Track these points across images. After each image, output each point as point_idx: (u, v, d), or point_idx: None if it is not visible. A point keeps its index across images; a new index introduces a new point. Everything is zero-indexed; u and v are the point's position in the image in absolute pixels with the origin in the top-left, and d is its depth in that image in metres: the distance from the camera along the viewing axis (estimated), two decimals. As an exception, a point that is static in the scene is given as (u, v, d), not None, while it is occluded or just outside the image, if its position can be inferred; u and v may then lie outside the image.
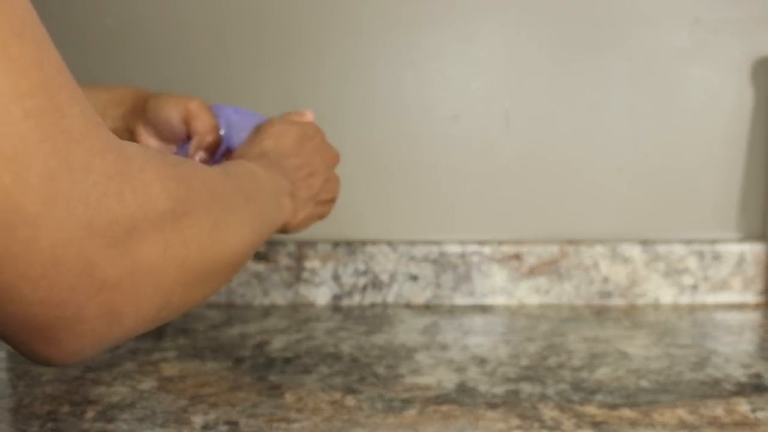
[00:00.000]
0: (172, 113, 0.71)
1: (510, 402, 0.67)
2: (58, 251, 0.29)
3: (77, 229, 0.30)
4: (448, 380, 0.72)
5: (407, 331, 0.89)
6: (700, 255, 0.99)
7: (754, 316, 0.95)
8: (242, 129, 0.73)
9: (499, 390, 0.70)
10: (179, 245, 0.38)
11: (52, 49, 0.30)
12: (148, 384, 0.72)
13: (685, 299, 1.00)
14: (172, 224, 0.37)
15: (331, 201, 0.73)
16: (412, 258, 1.00)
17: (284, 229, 0.66)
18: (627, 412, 0.64)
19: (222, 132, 0.73)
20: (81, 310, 0.32)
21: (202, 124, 0.71)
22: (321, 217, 0.72)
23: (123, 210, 0.33)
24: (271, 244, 0.99)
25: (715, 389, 0.69)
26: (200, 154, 0.72)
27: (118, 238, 0.33)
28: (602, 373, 0.74)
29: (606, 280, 1.00)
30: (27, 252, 0.28)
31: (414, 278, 1.00)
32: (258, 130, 0.70)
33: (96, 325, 0.33)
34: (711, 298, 1.00)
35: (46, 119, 0.28)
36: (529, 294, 1.01)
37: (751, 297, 1.00)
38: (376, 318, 0.94)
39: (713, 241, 1.00)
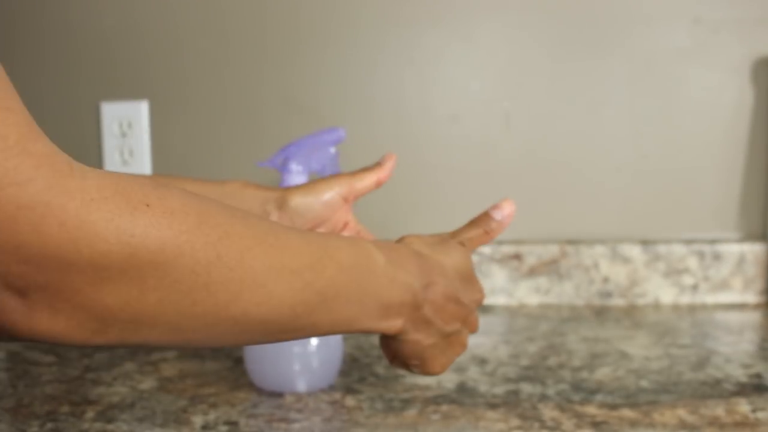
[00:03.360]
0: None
1: (510, 402, 0.66)
2: None
3: None
4: (448, 380, 0.72)
5: (407, 331, 0.88)
6: (701, 255, 0.99)
7: (755, 316, 0.95)
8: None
9: (499, 390, 0.69)
10: (130, 287, 0.36)
11: None
12: (147, 384, 0.72)
13: (686, 299, 1.00)
14: (123, 266, 0.35)
15: (462, 346, 0.55)
16: (412, 258, 0.99)
17: (395, 352, 0.52)
18: (627, 412, 0.64)
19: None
20: None
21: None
22: (447, 360, 0.54)
23: (39, 238, 0.33)
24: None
25: (715, 389, 0.69)
26: None
27: (34, 263, 0.33)
28: (602, 373, 0.74)
29: (606, 280, 1.00)
30: None
31: (414, 278, 0.99)
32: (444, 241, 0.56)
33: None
34: (711, 298, 1.00)
35: None
36: (529, 294, 1.01)
37: (752, 297, 1.00)
38: (376, 318, 0.94)
39: (713, 241, 1.00)
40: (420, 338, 0.51)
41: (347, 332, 0.48)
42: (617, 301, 1.00)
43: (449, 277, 0.53)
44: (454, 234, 0.58)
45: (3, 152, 0.31)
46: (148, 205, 0.36)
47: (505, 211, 0.59)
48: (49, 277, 0.33)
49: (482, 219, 0.59)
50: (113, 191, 0.35)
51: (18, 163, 0.32)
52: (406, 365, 0.53)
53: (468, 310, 0.54)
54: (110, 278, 0.35)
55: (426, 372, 0.54)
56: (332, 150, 0.73)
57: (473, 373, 0.74)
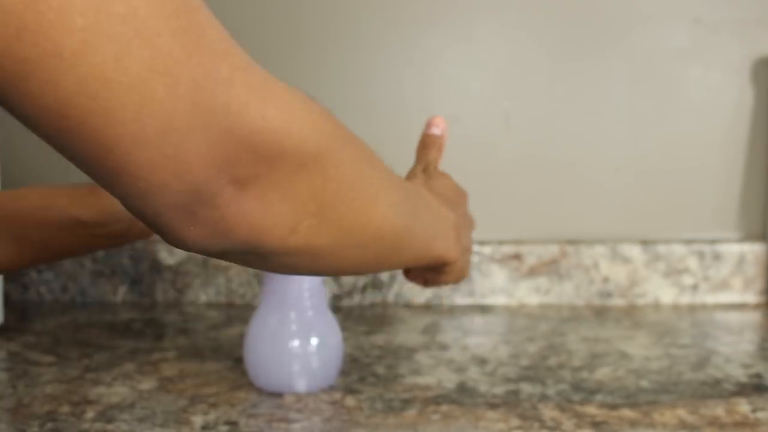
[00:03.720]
0: None
1: (510, 402, 0.66)
2: (202, 151, 0.32)
3: (219, 134, 0.33)
4: (448, 380, 0.72)
5: (407, 331, 0.89)
6: (701, 255, 0.99)
7: (755, 316, 0.95)
8: None
9: (499, 390, 0.69)
10: (317, 175, 0.37)
11: None
12: (148, 384, 0.72)
13: (686, 299, 1.00)
14: (316, 153, 0.37)
15: (469, 251, 0.63)
16: (412, 258, 0.99)
17: (443, 274, 0.59)
18: (627, 412, 0.64)
19: None
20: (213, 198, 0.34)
21: None
22: (462, 276, 0.62)
23: (264, 124, 0.34)
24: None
25: (715, 389, 0.69)
26: None
27: (258, 149, 0.34)
28: (602, 373, 0.74)
29: (606, 280, 1.00)
30: (177, 154, 0.32)
31: (414, 278, 1.00)
32: (429, 171, 0.65)
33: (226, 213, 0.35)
34: (711, 298, 1.00)
35: (189, 37, 0.31)
36: (529, 294, 1.01)
37: (752, 297, 1.00)
38: (376, 318, 0.94)
39: (713, 241, 1.00)
40: (462, 262, 0.59)
41: (424, 258, 0.53)
42: (617, 301, 1.00)
43: (455, 201, 0.60)
44: (422, 166, 0.64)
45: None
46: (314, 103, 0.39)
47: (441, 124, 0.66)
48: (261, 168, 0.35)
49: (429, 140, 0.65)
50: (293, 93, 0.37)
51: (238, 51, 0.34)
52: (438, 285, 0.61)
53: (469, 217, 0.63)
54: (305, 167, 0.36)
55: (459, 281, 0.62)
56: None
57: (473, 373, 0.74)
